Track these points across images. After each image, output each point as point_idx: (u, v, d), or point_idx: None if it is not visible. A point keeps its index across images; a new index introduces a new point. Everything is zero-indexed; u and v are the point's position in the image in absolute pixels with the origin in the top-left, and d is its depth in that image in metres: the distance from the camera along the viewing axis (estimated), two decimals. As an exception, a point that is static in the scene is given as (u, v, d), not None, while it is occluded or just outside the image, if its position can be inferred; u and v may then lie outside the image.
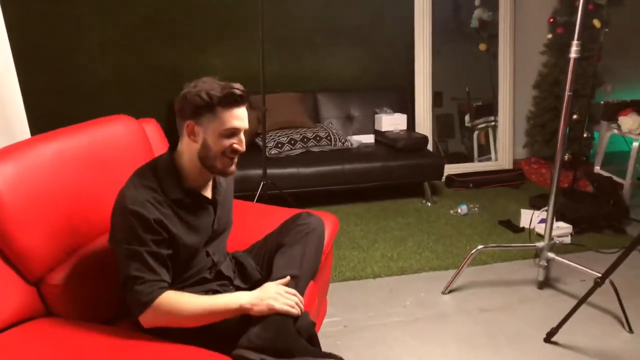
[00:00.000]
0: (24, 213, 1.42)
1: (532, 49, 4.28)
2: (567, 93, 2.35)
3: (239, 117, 1.41)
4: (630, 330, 2.23)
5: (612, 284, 2.34)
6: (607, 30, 3.76)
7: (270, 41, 3.82)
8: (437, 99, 4.30)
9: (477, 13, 4.34)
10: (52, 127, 1.72)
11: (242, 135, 1.45)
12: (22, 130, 2.01)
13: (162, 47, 3.83)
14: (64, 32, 3.65)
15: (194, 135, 1.42)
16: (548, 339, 2.18)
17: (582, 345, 2.16)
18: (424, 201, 3.71)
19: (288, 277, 1.52)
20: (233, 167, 1.47)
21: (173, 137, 1.59)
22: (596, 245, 3.00)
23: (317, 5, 4.04)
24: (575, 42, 2.29)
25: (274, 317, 1.39)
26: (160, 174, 1.45)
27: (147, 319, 1.35)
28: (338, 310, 2.40)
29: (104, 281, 1.58)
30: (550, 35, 4.09)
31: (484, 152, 4.41)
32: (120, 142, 1.81)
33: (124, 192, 1.39)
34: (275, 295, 1.42)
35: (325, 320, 2.30)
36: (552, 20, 4.02)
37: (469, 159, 4.35)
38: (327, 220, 1.95)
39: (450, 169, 4.17)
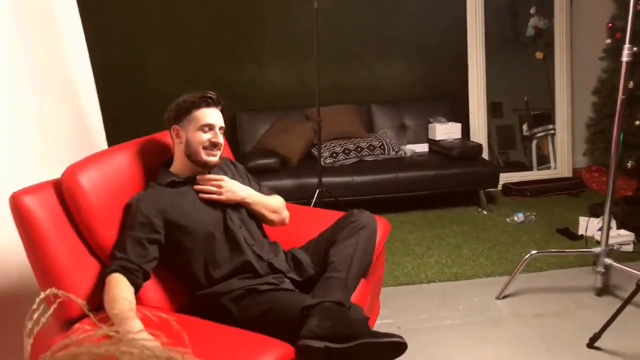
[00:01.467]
0: (105, 212, 1.61)
1: (590, 54, 4.19)
2: (620, 96, 2.33)
3: (212, 115, 1.73)
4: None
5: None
6: (670, 32, 3.65)
7: (323, 55, 3.95)
8: (497, 110, 4.30)
9: (533, 21, 4.32)
10: (125, 137, 1.92)
11: (217, 130, 1.73)
12: (100, 140, 2.23)
13: (223, 63, 4.07)
14: (136, 51, 3.96)
15: (179, 137, 1.74)
16: (591, 344, 2.15)
17: (627, 351, 2.12)
18: (479, 209, 3.71)
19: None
20: (214, 159, 1.73)
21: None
22: (661, 253, 2.91)
23: (367, 19, 4.16)
24: (627, 45, 2.28)
25: (328, 306, 1.49)
26: (158, 178, 1.75)
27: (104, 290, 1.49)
28: (391, 313, 2.46)
29: (171, 275, 1.74)
30: (609, 40, 4.00)
31: (544, 161, 4.35)
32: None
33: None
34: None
35: (379, 322, 2.36)
36: (610, 25, 3.94)
37: (528, 168, 4.30)
38: (379, 223, 2.04)
39: (508, 178, 4.14)
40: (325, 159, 3.62)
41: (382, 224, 2.10)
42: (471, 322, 2.38)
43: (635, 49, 2.30)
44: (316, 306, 1.48)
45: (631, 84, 3.77)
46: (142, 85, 4.02)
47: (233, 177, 1.84)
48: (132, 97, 3.99)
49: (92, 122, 2.22)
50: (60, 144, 1.94)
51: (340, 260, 1.66)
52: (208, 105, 1.73)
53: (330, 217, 2.10)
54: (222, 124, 1.77)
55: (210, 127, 1.72)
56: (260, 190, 1.91)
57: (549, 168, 4.33)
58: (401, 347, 1.43)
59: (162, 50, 4.01)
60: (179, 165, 1.77)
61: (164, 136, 1.97)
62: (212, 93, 1.75)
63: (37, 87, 1.87)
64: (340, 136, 3.83)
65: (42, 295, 0.68)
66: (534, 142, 4.36)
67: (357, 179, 3.52)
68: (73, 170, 1.58)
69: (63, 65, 2.00)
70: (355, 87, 4.28)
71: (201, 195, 1.72)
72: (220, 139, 1.74)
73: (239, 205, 1.78)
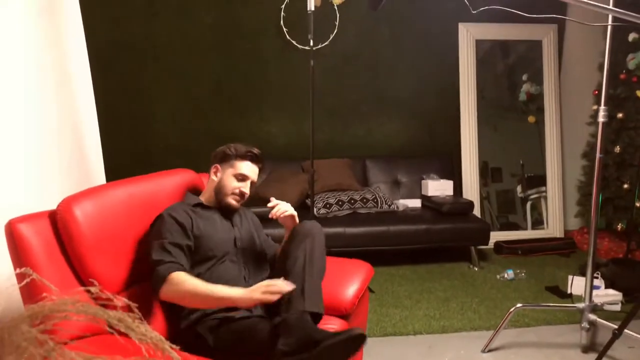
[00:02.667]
0: (97, 243, 1.67)
1: (579, 120, 4.35)
2: (597, 155, 2.43)
3: (250, 168, 1.96)
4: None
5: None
6: (652, 101, 3.81)
7: (322, 110, 4.14)
8: (497, 175, 4.42)
9: (525, 87, 4.51)
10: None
11: (248, 183, 1.95)
12: (99, 177, 2.32)
13: (225, 116, 4.24)
14: (142, 101, 4.14)
15: (215, 175, 1.97)
16: None
17: None
18: (470, 266, 3.74)
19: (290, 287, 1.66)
20: (236, 205, 1.94)
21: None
22: (648, 314, 2.91)
23: (365, 78, 4.36)
24: (602, 107, 2.39)
25: (289, 320, 1.55)
26: (185, 198, 1.97)
27: (163, 292, 1.64)
28: (376, 362, 2.46)
29: (159, 312, 1.78)
30: (595, 107, 4.17)
31: (539, 222, 4.42)
32: (181, 190, 2.07)
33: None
34: (256, 288, 1.60)
35: (364, 371, 2.36)
36: (596, 92, 4.11)
37: (523, 228, 4.36)
38: (362, 268, 2.11)
39: (500, 236, 4.19)
40: (319, 209, 3.69)
41: (365, 269, 2.15)
42: (456, 375, 2.37)
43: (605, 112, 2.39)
44: (280, 325, 1.56)
45: (618, 149, 3.93)
46: (146, 135, 4.18)
47: (244, 221, 2.03)
48: (135, 146, 4.13)
49: (91, 158, 2.31)
50: (58, 177, 2.03)
51: (294, 272, 1.70)
52: (251, 160, 1.96)
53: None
54: (255, 179, 1.99)
55: (245, 179, 1.95)
56: (265, 243, 2.09)
57: (542, 229, 4.39)
58: (360, 337, 1.50)
59: (167, 102, 4.18)
60: (206, 197, 1.98)
61: (162, 175, 2.07)
62: (258, 151, 1.98)
63: (40, 120, 1.98)
64: (335, 188, 3.92)
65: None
66: (528, 204, 4.45)
67: (350, 230, 3.58)
68: (68, 202, 1.66)
69: (69, 103, 2.12)
70: (352, 143, 4.42)
71: (274, 212, 1.92)
72: (248, 191, 1.95)
73: (253, 245, 1.98)
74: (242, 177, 1.94)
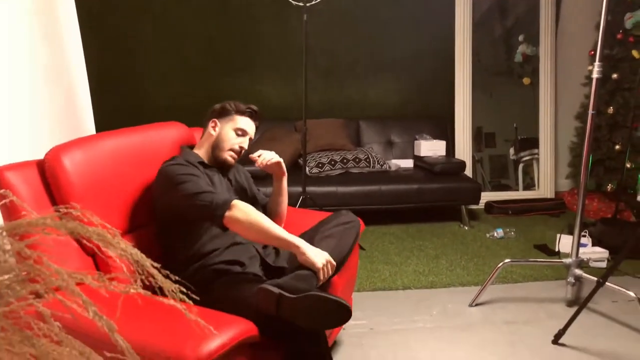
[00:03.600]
0: (87, 192, 1.67)
1: (574, 81, 4.33)
2: (590, 112, 2.43)
3: (249, 124, 1.97)
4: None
5: (638, 299, 2.35)
6: (648, 61, 3.79)
7: (315, 71, 4.10)
8: (490, 140, 4.41)
9: (522, 48, 4.46)
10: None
11: (247, 140, 1.95)
12: (89, 127, 2.31)
13: (218, 75, 4.18)
14: (133, 59, 4.08)
15: (214, 130, 1.95)
16: (556, 340, 2.26)
17: (589, 348, 2.22)
18: (461, 225, 3.78)
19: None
20: (232, 161, 1.93)
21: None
22: (633, 271, 2.97)
23: (360, 38, 4.30)
24: (597, 63, 2.38)
25: (303, 271, 1.59)
26: (185, 154, 1.91)
27: (228, 217, 1.63)
28: (366, 315, 2.50)
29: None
30: (590, 67, 4.13)
31: (531, 184, 4.44)
32: (171, 143, 2.06)
33: (164, 164, 1.81)
34: (322, 259, 1.64)
35: (352, 322, 2.38)
36: (592, 52, 4.08)
37: (513, 189, 4.39)
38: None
39: (491, 197, 4.22)
40: (312, 168, 3.70)
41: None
42: (443, 327, 2.42)
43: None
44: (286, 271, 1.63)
45: (611, 109, 3.92)
46: (137, 93, 4.13)
47: (238, 178, 2.04)
48: (126, 104, 4.08)
49: (81, 114, 2.30)
50: (47, 127, 2.01)
51: (334, 256, 1.71)
52: (251, 116, 1.98)
53: (315, 217, 2.18)
54: (252, 136, 2.00)
55: (244, 134, 1.95)
56: (257, 195, 2.11)
57: (534, 190, 4.42)
58: (344, 311, 1.47)
59: (159, 61, 4.12)
60: (203, 153, 1.95)
61: (153, 127, 2.06)
62: (257, 108, 2.00)
63: (32, 72, 1.96)
64: (327, 148, 3.92)
65: None
66: (521, 166, 4.46)
67: (342, 189, 3.60)
68: (57, 151, 1.65)
69: (59, 55, 2.09)
70: (345, 103, 4.39)
71: (259, 161, 1.96)
72: (246, 146, 1.95)
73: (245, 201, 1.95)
74: (242, 132, 1.93)
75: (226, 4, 4.11)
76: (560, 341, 2.29)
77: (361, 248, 3.20)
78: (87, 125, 2.28)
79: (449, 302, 2.65)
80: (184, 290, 0.76)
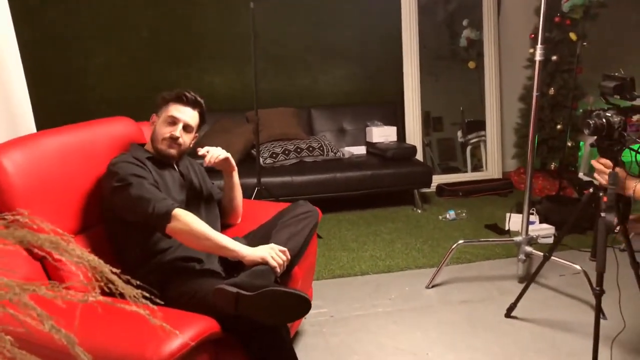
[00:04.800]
0: (31, 194, 1.59)
1: (517, 64, 4.46)
2: (534, 94, 2.52)
3: (181, 110, 1.86)
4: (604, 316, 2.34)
5: (585, 274, 2.47)
6: (584, 43, 3.96)
7: (265, 60, 4.04)
8: (438, 123, 4.50)
9: (466, 33, 4.55)
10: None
11: (179, 127, 1.85)
12: (28, 126, 2.19)
13: (164, 66, 4.06)
14: (73, 52, 3.89)
15: (152, 124, 1.91)
16: (508, 314, 2.40)
17: (538, 318, 2.38)
18: (414, 208, 3.86)
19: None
20: (172, 151, 1.86)
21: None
22: (577, 245, 3.12)
23: (309, 26, 4.27)
24: (539, 46, 2.47)
25: (259, 267, 1.58)
26: (133, 150, 1.87)
27: (170, 228, 1.62)
28: (325, 303, 2.52)
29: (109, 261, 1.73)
30: (532, 50, 4.28)
31: (479, 166, 4.57)
32: (119, 139, 1.99)
33: (111, 161, 1.76)
34: (270, 250, 1.64)
35: (313, 311, 2.41)
36: (533, 36, 4.22)
37: (462, 171, 4.51)
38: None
39: (442, 179, 4.32)
40: (265, 159, 3.67)
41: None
42: (401, 310, 2.48)
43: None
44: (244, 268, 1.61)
45: (552, 91, 4.08)
46: (79, 87, 3.95)
47: (191, 172, 1.98)
48: (69, 99, 3.90)
49: (19, 112, 2.17)
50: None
51: (278, 242, 1.73)
52: (181, 102, 1.87)
53: (272, 208, 2.16)
54: (190, 123, 1.88)
55: (175, 122, 1.85)
56: (212, 190, 2.06)
57: (482, 171, 4.55)
58: (304, 303, 1.48)
59: (100, 53, 3.95)
60: (150, 149, 1.90)
61: (99, 123, 1.98)
62: (191, 93, 1.89)
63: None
64: (280, 138, 3.89)
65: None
66: (468, 148, 4.58)
67: (297, 178, 3.59)
68: (-5, 152, 1.56)
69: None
70: (296, 92, 4.37)
71: (207, 159, 1.90)
72: (178, 134, 1.84)
73: (201, 201, 1.94)
74: (172, 120, 1.85)
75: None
76: (513, 314, 2.40)
77: (319, 237, 3.21)
78: (27, 123, 2.15)
79: (407, 285, 2.71)
80: (147, 294, 0.73)
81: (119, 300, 0.69)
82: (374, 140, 4.07)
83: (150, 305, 0.72)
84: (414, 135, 4.36)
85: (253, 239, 1.90)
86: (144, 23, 3.99)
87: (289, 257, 1.70)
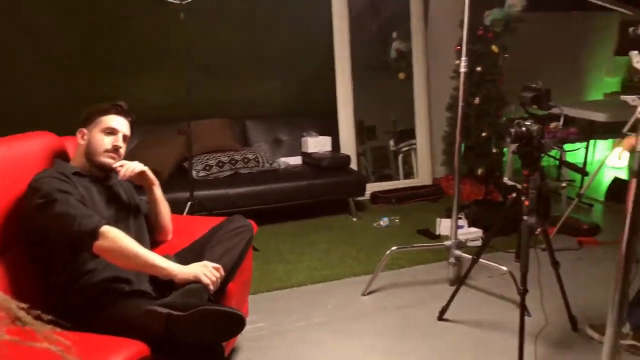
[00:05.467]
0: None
1: (444, 74, 4.64)
2: (460, 104, 2.63)
3: (118, 122, 1.85)
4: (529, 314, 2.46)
5: (511, 274, 2.59)
6: (506, 55, 4.18)
7: (198, 70, 3.98)
8: (371, 132, 4.58)
9: (395, 44, 4.68)
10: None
11: (120, 137, 1.84)
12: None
13: (94, 77, 3.89)
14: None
15: (83, 139, 1.84)
16: (440, 316, 2.48)
17: (469, 319, 2.47)
18: (350, 217, 3.91)
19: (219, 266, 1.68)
20: (112, 162, 1.82)
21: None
22: (504, 247, 3.27)
23: (242, 36, 4.25)
24: (463, 58, 2.58)
25: (191, 286, 1.54)
26: (58, 166, 1.80)
27: (97, 247, 1.56)
28: (262, 317, 2.50)
29: (17, 289, 1.64)
30: (457, 61, 4.47)
31: (411, 173, 4.70)
32: (41, 154, 1.89)
33: (34, 177, 1.67)
34: (202, 268, 1.61)
35: (250, 326, 2.38)
36: (458, 48, 4.40)
37: (395, 178, 4.62)
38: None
39: (376, 187, 4.40)
40: (199, 172, 3.60)
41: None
42: (338, 319, 2.50)
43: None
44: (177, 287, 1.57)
45: (477, 100, 4.27)
46: (9, 97, 3.72)
47: (120, 190, 1.92)
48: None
49: None
50: None
51: (212, 259, 1.70)
52: (117, 113, 1.86)
53: (205, 223, 2.12)
54: (127, 133, 1.88)
55: (114, 132, 1.83)
56: (140, 205, 2.00)
57: (413, 178, 4.68)
58: (238, 320, 1.48)
59: (26, 61, 3.75)
60: (78, 164, 1.84)
61: (17, 139, 1.88)
62: (123, 104, 1.89)
63: None
64: (215, 150, 3.83)
65: None
66: (400, 156, 4.71)
67: (232, 191, 3.55)
68: None
69: None
70: (231, 102, 4.32)
71: (122, 172, 1.82)
72: (121, 144, 1.84)
73: (129, 217, 1.88)
74: (111, 131, 1.83)
75: (96, 5, 3.85)
76: (445, 317, 2.48)
77: (255, 249, 3.18)
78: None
79: (343, 294, 2.74)
80: (61, 324, 0.70)
81: (28, 337, 0.65)
82: (310, 151, 4.10)
83: (63, 341, 0.68)
84: (348, 144, 4.42)
85: (186, 256, 1.85)
86: (72, 32, 3.82)
87: (223, 273, 1.67)
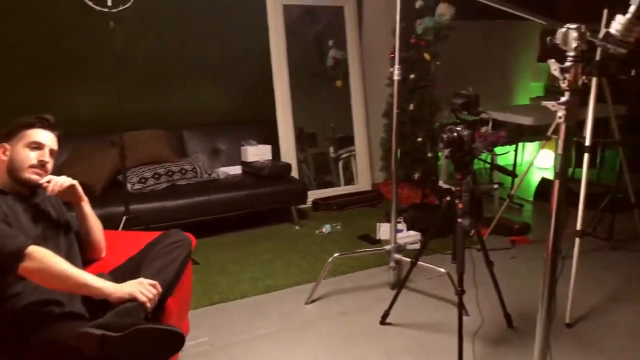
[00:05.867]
0: None
1: (380, 82, 4.73)
2: (395, 111, 2.69)
3: (43, 135, 1.77)
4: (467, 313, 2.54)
5: (449, 275, 2.67)
6: (438, 62, 4.33)
7: (132, 80, 3.87)
8: (312, 139, 4.60)
9: (332, 53, 4.74)
10: None
11: (47, 152, 1.76)
12: None
13: (20, 88, 3.70)
14: None
15: (5, 154, 1.74)
16: (383, 321, 2.53)
17: (411, 323, 2.53)
18: (292, 225, 3.90)
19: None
20: (37, 178, 1.74)
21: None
22: (441, 248, 3.36)
23: (178, 44, 4.16)
24: (396, 67, 2.65)
25: (127, 304, 1.49)
26: None
27: (23, 268, 1.47)
28: (205, 332, 2.44)
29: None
30: (392, 70, 4.58)
31: (352, 179, 4.75)
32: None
33: None
34: (138, 285, 1.56)
35: (192, 342, 2.34)
36: (392, 56, 4.50)
37: (336, 185, 4.66)
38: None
39: (317, 195, 4.42)
40: (134, 184, 3.49)
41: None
42: (283, 329, 2.48)
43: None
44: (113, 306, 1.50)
45: (412, 106, 4.38)
46: None
47: (48, 206, 1.82)
48: None
49: None
50: None
51: (149, 275, 1.65)
52: (42, 126, 1.78)
53: (141, 238, 2.05)
54: (54, 147, 1.80)
55: (40, 147, 1.75)
56: (71, 221, 1.90)
57: (354, 184, 4.74)
58: (176, 337, 1.45)
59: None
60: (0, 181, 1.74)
61: None
62: (50, 117, 1.80)
63: None
64: (151, 161, 3.72)
65: None
66: (340, 163, 4.76)
67: (169, 203, 3.46)
68: None
69: None
70: (166, 113, 4.22)
71: (49, 188, 1.74)
72: (47, 158, 1.76)
73: (59, 235, 1.79)
74: (37, 145, 1.74)
75: (23, 10, 3.65)
76: (387, 321, 2.52)
77: (195, 263, 3.12)
78: None
79: (287, 304, 2.73)
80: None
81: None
82: (249, 160, 4.06)
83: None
84: (289, 152, 4.42)
85: (121, 274, 1.79)
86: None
87: (160, 290, 1.62)
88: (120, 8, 3.62)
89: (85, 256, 1.92)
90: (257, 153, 4.10)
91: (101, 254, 1.99)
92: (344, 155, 4.76)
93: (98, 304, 1.66)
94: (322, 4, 4.61)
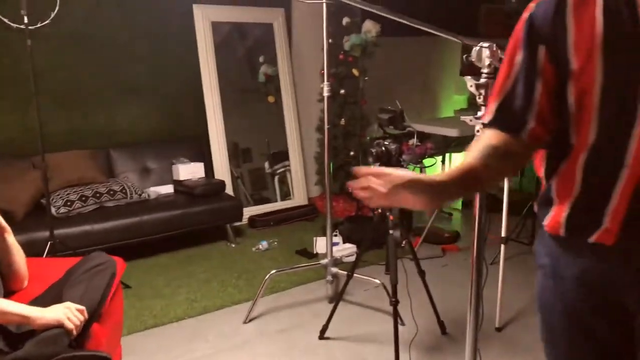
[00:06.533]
0: None
1: (311, 97, 4.80)
2: (325, 126, 2.75)
3: None
4: (402, 323, 2.60)
5: (384, 286, 2.73)
6: (366, 78, 4.45)
7: (53, 99, 3.71)
8: (247, 155, 4.58)
9: (263, 69, 4.75)
10: None
11: None
12: None
13: None
14: None
15: None
16: (321, 335, 2.54)
17: (349, 336, 2.56)
18: (228, 243, 3.86)
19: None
20: None
21: None
22: (377, 260, 3.43)
23: (102, 62, 4.03)
24: (325, 83, 2.71)
25: (48, 332, 1.43)
26: None
27: None
28: (140, 358, 2.37)
29: None
30: (322, 85, 4.66)
31: (288, 194, 4.76)
32: None
33: None
34: (65, 310, 1.50)
35: (126, 370, 2.25)
36: (323, 72, 4.58)
37: (272, 200, 4.65)
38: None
39: (253, 211, 4.39)
40: (59, 208, 3.32)
41: (117, 264, 2.03)
42: (221, 350, 2.45)
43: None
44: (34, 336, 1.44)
45: (343, 121, 4.47)
46: None
47: None
48: None
49: None
50: None
51: (71, 301, 1.57)
52: None
53: (66, 264, 1.96)
54: None
55: None
56: None
57: (290, 199, 4.76)
58: None
59: None
60: None
61: None
62: None
63: None
64: (76, 183, 3.56)
65: None
66: (276, 178, 4.76)
67: (98, 226, 3.32)
68: None
69: None
70: (92, 132, 4.06)
71: None
72: None
73: None
74: None
75: None
76: (326, 335, 2.54)
77: (126, 286, 3.01)
78: None
79: (225, 324, 2.69)
80: None
81: None
82: (181, 178, 3.98)
83: None
84: (223, 169, 4.37)
85: (42, 304, 1.70)
86: None
87: (87, 316, 1.56)
88: (38, 25, 3.48)
89: (6, 288, 1.81)
90: (189, 171, 4.03)
91: (23, 284, 1.89)
92: (279, 170, 4.76)
93: (18, 338, 1.57)
94: (251, 21, 4.63)
